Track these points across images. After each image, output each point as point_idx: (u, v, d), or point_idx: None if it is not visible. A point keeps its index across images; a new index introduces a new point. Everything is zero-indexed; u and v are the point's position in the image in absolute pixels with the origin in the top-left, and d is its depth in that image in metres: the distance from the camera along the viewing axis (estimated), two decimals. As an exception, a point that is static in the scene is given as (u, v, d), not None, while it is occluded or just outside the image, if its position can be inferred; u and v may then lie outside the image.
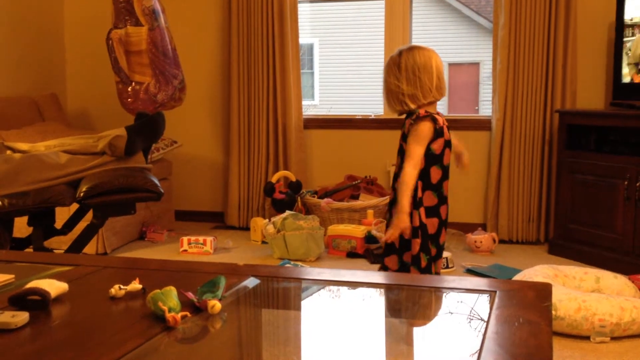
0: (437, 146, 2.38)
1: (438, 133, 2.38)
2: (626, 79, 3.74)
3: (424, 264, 2.41)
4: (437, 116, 2.39)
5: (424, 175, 2.39)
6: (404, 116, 2.48)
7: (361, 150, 4.65)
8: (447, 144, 2.42)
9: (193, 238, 4.02)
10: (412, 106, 2.41)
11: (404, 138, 2.44)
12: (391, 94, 2.45)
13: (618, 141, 3.70)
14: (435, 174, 2.40)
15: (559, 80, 4.10)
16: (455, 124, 2.69)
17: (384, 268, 2.55)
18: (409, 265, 2.46)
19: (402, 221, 2.34)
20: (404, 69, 2.40)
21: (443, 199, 2.44)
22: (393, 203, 2.48)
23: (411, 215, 2.39)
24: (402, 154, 2.47)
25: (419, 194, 2.40)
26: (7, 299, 1.31)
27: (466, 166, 2.58)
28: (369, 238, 3.92)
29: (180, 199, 4.90)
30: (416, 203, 2.41)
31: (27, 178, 2.84)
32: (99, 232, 3.76)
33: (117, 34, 4.12)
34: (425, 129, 2.36)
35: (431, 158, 2.39)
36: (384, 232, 3.87)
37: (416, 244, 2.41)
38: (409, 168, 2.35)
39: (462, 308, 1.40)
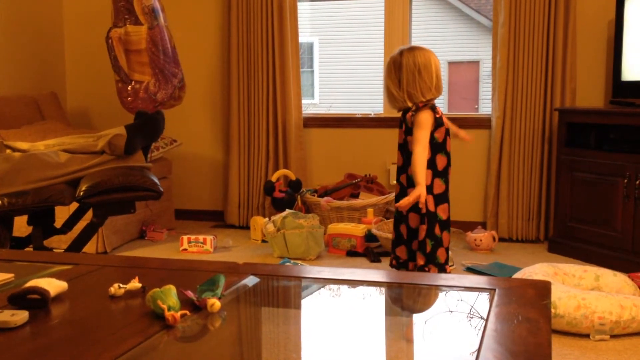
0: (439, 134, 2.52)
1: (439, 122, 2.52)
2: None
3: (428, 249, 2.53)
4: (436, 107, 2.54)
5: (431, 163, 2.52)
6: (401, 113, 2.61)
7: (361, 148, 4.65)
8: (447, 132, 2.56)
9: (193, 237, 4.02)
10: (411, 104, 2.55)
11: (409, 131, 2.55)
12: (391, 93, 2.59)
13: (618, 139, 3.70)
14: (441, 161, 2.53)
15: (558, 78, 4.10)
16: (455, 122, 2.79)
17: (395, 258, 2.68)
18: (416, 252, 2.59)
19: (418, 190, 2.43)
20: (405, 69, 2.51)
21: (448, 185, 2.58)
22: (399, 197, 2.57)
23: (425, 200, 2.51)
24: (403, 148, 2.59)
25: (428, 181, 2.51)
26: (7, 297, 1.31)
27: (467, 138, 2.76)
28: (369, 237, 3.92)
29: (180, 198, 4.91)
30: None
31: (27, 177, 2.84)
32: (98, 231, 3.77)
33: (116, 33, 4.12)
34: (426, 116, 2.49)
35: (436, 146, 2.52)
36: (383, 230, 3.88)
37: (423, 230, 2.52)
38: (418, 149, 2.47)
39: (461, 306, 1.40)
